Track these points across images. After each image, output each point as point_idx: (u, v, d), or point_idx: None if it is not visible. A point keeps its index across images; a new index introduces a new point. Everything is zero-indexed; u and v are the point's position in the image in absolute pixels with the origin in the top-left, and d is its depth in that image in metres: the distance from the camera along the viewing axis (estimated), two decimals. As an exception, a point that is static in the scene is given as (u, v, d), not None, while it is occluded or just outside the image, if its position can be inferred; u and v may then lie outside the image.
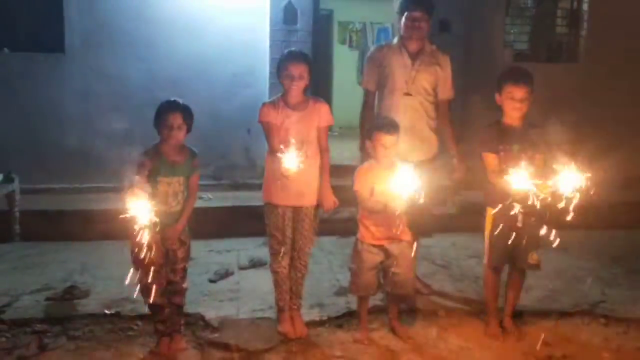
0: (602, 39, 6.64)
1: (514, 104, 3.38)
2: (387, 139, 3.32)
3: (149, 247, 3.16)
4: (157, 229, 2.98)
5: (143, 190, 2.96)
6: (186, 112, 3.25)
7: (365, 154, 3.68)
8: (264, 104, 3.51)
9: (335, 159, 6.54)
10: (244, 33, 6.17)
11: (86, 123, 6.00)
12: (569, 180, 2.86)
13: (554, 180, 2.91)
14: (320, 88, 8.93)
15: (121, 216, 2.84)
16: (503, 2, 6.76)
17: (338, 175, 4.91)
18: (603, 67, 6.61)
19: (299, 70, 3.39)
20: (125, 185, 2.99)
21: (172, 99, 3.30)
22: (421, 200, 3.03)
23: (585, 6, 6.81)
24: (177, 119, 3.20)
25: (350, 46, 11.03)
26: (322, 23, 10.02)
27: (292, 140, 3.32)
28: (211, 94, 6.16)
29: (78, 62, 5.99)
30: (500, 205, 3.27)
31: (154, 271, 3.22)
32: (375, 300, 3.76)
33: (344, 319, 3.73)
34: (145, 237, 2.88)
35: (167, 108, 3.24)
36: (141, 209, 2.83)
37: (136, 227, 2.85)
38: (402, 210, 3.08)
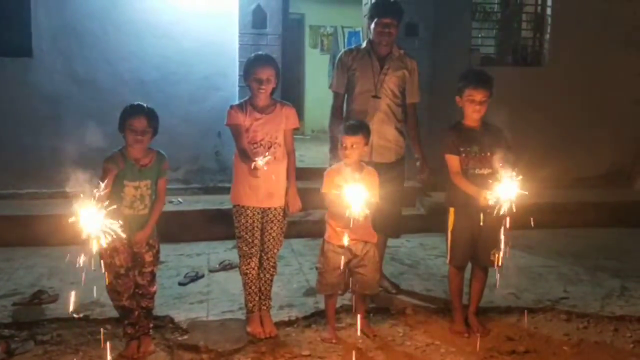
0: (565, 43, 6.81)
1: (473, 106, 3.48)
2: (350, 141, 3.37)
3: (116, 251, 3.18)
4: (124, 232, 2.92)
5: (102, 198, 2.87)
6: (151, 116, 3.21)
7: (335, 156, 3.73)
8: (231, 107, 3.54)
9: (307, 162, 6.68)
10: (214, 36, 6.17)
11: (54, 127, 5.93)
12: (506, 189, 3.10)
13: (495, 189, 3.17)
14: (292, 92, 8.97)
15: (70, 221, 2.75)
16: (469, 6, 6.88)
17: (310, 177, 4.96)
18: (565, 71, 6.77)
19: (266, 74, 3.43)
20: (87, 191, 2.93)
21: (136, 102, 3.28)
22: (374, 208, 3.10)
23: (549, 11, 6.97)
24: (141, 124, 3.16)
25: (322, 50, 11.09)
26: (293, 27, 10.08)
27: (260, 142, 3.37)
28: (181, 97, 6.14)
29: (46, 65, 5.93)
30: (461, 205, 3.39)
31: (121, 274, 3.23)
32: (344, 299, 3.82)
33: (313, 319, 3.77)
34: (109, 240, 2.85)
35: (131, 112, 3.19)
36: (93, 217, 2.76)
37: (84, 234, 2.78)
38: (362, 215, 3.14)
